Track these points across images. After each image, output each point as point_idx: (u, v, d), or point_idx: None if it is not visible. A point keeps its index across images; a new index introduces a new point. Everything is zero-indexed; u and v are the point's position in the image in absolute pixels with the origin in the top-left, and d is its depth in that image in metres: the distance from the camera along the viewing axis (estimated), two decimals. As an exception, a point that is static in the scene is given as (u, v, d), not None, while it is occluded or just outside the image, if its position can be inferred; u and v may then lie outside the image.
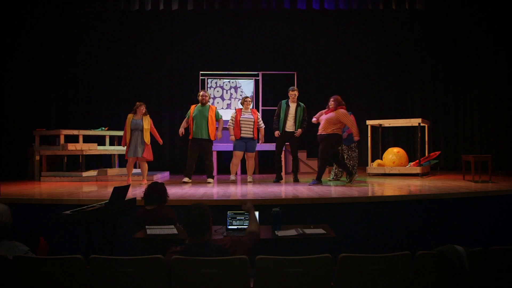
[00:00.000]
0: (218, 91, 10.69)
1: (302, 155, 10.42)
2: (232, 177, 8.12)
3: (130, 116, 7.69)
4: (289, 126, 7.93)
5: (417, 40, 11.33)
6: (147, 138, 7.63)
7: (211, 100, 10.64)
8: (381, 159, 9.73)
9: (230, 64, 11.09)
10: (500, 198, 6.00)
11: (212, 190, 6.84)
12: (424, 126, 9.61)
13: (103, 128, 9.52)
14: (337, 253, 2.89)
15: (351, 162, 8.20)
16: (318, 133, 7.43)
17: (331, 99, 7.44)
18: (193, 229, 3.01)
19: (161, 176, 9.15)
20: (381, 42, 11.43)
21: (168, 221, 4.19)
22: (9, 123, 9.60)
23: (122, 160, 10.44)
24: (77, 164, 9.22)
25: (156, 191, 4.37)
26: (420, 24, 11.13)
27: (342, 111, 7.30)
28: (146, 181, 7.66)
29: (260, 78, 10.80)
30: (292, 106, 7.95)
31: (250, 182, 7.97)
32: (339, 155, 7.89)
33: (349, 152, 8.26)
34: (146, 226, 3.99)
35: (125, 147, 7.70)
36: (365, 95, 11.50)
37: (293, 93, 7.97)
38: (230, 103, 10.66)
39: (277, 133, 8.01)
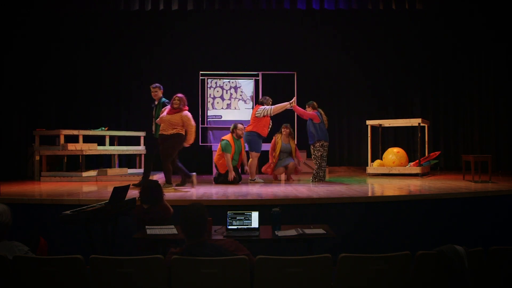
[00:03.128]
0: (218, 91, 10.69)
1: (302, 155, 10.40)
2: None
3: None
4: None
5: (417, 40, 11.32)
6: None
7: (211, 100, 10.68)
8: (381, 159, 9.73)
9: (230, 64, 11.08)
10: (500, 198, 6.00)
11: (212, 190, 6.84)
12: (424, 126, 9.61)
13: (103, 128, 9.52)
14: (337, 253, 2.89)
15: (316, 162, 7.95)
16: (160, 133, 6.89)
17: (176, 98, 6.92)
18: (190, 230, 3.00)
19: (161, 176, 9.13)
20: (381, 42, 11.41)
21: (163, 220, 4.20)
22: (9, 123, 9.59)
23: (122, 160, 10.45)
24: (77, 164, 9.21)
25: (150, 190, 4.39)
26: (420, 24, 11.12)
27: (186, 113, 6.90)
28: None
29: (260, 78, 10.80)
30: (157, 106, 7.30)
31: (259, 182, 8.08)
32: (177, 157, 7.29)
33: (314, 151, 7.96)
34: (146, 226, 4.00)
35: None
36: (365, 95, 11.49)
37: (153, 91, 7.32)
38: (230, 103, 10.67)
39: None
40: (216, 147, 10.13)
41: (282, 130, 8.40)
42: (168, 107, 7.04)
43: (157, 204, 4.36)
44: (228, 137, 7.76)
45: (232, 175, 7.56)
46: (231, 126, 7.90)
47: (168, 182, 6.90)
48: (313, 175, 8.04)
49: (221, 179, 7.79)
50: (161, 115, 6.97)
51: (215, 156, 8.05)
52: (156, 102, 7.39)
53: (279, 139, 8.35)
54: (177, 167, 7.23)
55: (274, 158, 8.33)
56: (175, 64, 11.30)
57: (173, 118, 6.83)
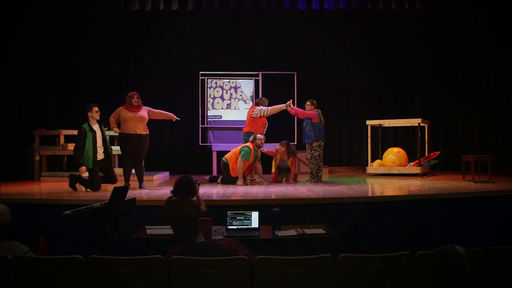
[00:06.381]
0: (218, 91, 10.68)
1: (302, 155, 10.41)
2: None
3: None
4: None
5: (417, 40, 11.32)
6: None
7: (211, 100, 10.67)
8: (381, 159, 9.73)
9: (230, 64, 11.08)
10: (500, 198, 5.99)
11: (212, 190, 6.84)
12: (424, 126, 9.61)
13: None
14: (337, 253, 2.89)
15: (314, 161, 7.89)
16: (132, 133, 6.90)
17: (135, 96, 7.04)
18: (182, 233, 3.10)
19: (161, 176, 9.14)
20: (381, 42, 11.42)
21: None
22: (9, 123, 9.59)
23: (122, 160, 10.43)
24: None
25: (181, 184, 4.54)
26: (420, 24, 11.12)
27: (144, 106, 7.21)
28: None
29: (260, 78, 10.80)
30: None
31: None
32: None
33: (312, 151, 7.88)
34: (146, 226, 4.03)
35: None
36: (365, 95, 11.49)
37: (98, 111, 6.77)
38: (230, 103, 10.66)
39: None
40: (216, 147, 10.18)
41: (279, 148, 8.15)
42: (119, 109, 7.02)
43: (185, 199, 4.47)
44: (250, 145, 7.60)
45: (242, 182, 7.50)
46: (251, 137, 7.65)
47: (141, 180, 7.14)
48: (311, 175, 8.03)
49: (229, 181, 7.75)
50: (123, 116, 6.89)
51: (229, 158, 7.68)
52: (93, 123, 6.83)
53: (279, 155, 8.19)
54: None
55: (273, 171, 8.26)
56: (175, 64, 11.31)
57: (142, 114, 6.97)
